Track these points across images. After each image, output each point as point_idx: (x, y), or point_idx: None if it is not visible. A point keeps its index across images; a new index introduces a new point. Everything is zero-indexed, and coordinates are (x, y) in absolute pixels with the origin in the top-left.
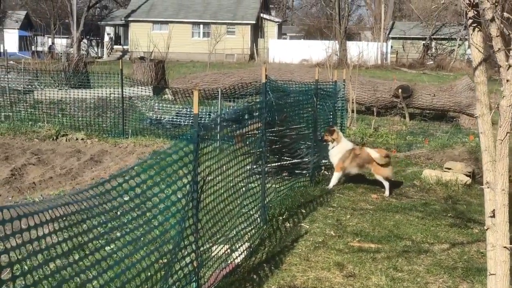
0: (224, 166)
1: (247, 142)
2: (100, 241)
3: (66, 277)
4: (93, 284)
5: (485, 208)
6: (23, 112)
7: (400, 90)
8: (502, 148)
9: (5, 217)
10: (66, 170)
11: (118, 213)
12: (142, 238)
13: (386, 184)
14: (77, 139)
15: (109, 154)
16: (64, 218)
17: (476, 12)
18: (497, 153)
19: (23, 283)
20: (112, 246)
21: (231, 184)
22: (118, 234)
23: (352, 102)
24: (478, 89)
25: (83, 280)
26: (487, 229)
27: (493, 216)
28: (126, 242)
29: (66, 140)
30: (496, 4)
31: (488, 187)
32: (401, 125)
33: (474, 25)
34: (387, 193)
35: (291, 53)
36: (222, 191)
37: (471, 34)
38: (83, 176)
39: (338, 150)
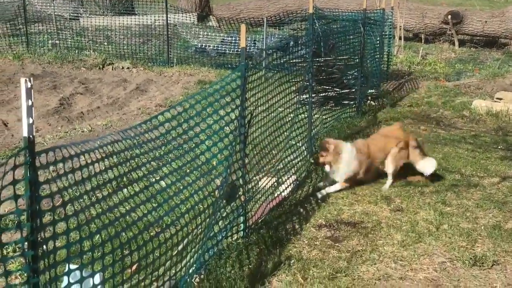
0: (271, 98)
1: (294, 72)
2: (149, 178)
3: (118, 215)
4: (144, 220)
5: None
6: (69, 40)
7: (449, 16)
8: None
9: (57, 158)
10: (113, 100)
11: (166, 149)
12: (190, 175)
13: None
14: (122, 68)
15: (155, 83)
16: (114, 155)
17: None
18: None
19: (76, 221)
20: (161, 184)
21: (278, 116)
22: (166, 171)
23: (400, 29)
24: None
25: (135, 218)
26: None
27: None
28: (174, 180)
29: (112, 69)
30: None
31: None
32: (450, 52)
33: None
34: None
35: None
36: (269, 123)
37: None
38: (129, 106)
39: (346, 163)
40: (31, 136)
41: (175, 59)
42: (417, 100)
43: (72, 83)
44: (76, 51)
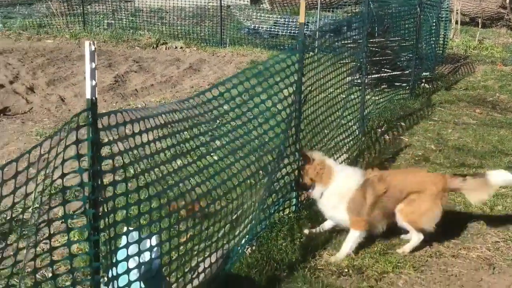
0: (325, 77)
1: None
2: (204, 148)
3: (171, 183)
4: (196, 191)
5: None
6: (124, 20)
7: (508, 1)
8: None
9: (112, 122)
10: (166, 78)
11: (223, 121)
12: (245, 147)
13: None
14: (176, 47)
15: (207, 63)
16: (169, 125)
17: None
18: None
19: (136, 184)
20: (215, 155)
21: (332, 95)
22: (222, 142)
23: (456, 13)
24: None
25: (188, 188)
26: None
27: None
28: (230, 150)
29: (165, 49)
30: None
31: None
32: (507, 37)
33: None
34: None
35: None
36: (322, 102)
37: None
38: (182, 84)
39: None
40: (94, 98)
41: (228, 40)
42: (473, 84)
43: (126, 61)
44: (131, 31)
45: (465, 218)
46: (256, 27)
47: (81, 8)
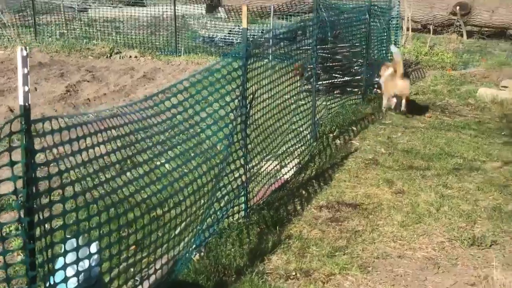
0: (273, 83)
1: (298, 60)
2: (148, 153)
3: (116, 187)
4: (141, 195)
5: None
6: (77, 30)
7: (458, 7)
8: None
9: (54, 127)
10: (120, 87)
11: (166, 126)
12: (190, 152)
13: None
14: (130, 56)
15: (162, 72)
16: (114, 129)
17: None
18: None
19: (72, 190)
20: (161, 159)
21: (281, 101)
22: (166, 147)
23: (408, 20)
24: None
25: (133, 191)
26: None
27: None
28: (174, 155)
29: (119, 58)
30: None
31: None
32: (457, 43)
33: None
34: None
35: None
36: (271, 108)
37: None
38: (136, 93)
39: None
40: (27, 104)
41: (183, 49)
42: (423, 89)
43: (79, 71)
44: (84, 41)
45: (412, 219)
46: (211, 36)
47: (33, 19)
